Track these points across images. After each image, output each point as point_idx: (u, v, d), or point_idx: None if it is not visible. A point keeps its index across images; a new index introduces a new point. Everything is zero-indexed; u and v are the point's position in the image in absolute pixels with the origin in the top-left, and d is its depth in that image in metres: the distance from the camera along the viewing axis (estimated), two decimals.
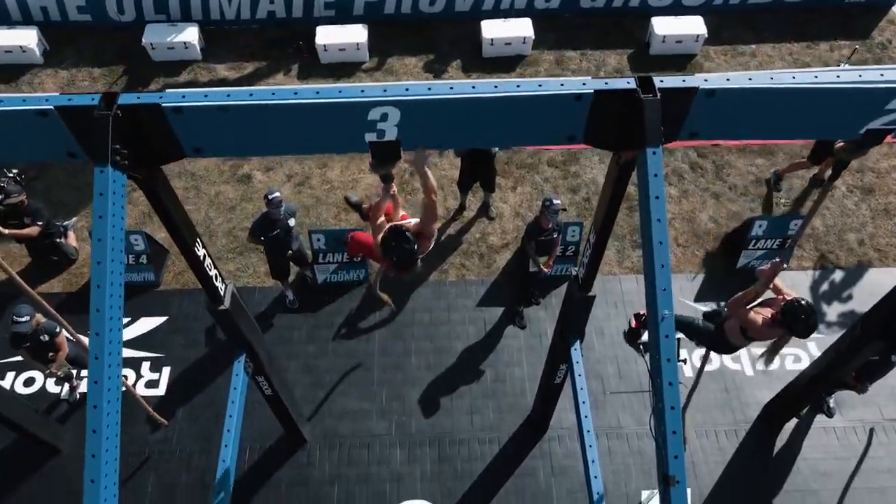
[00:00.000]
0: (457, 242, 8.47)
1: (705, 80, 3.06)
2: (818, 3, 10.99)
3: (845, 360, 5.83)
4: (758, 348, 7.42)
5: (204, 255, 4.08)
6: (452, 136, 3.23)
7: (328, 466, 6.82)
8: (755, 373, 7.38)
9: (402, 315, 7.89)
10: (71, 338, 6.34)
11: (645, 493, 6.62)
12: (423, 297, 8.00)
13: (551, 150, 9.31)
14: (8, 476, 6.70)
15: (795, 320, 4.66)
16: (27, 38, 10.15)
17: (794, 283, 7.91)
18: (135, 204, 8.73)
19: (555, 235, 7.18)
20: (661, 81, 3.05)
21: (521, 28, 10.27)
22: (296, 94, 3.04)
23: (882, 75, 3.09)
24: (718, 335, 5.34)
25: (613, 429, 7.03)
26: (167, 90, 3.05)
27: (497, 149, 7.62)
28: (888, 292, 5.07)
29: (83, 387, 7.14)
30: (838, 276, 8.13)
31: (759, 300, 5.04)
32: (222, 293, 4.43)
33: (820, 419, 7.07)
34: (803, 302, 4.69)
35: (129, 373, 7.37)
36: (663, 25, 10.25)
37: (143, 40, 10.16)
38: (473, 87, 3.08)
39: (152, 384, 7.34)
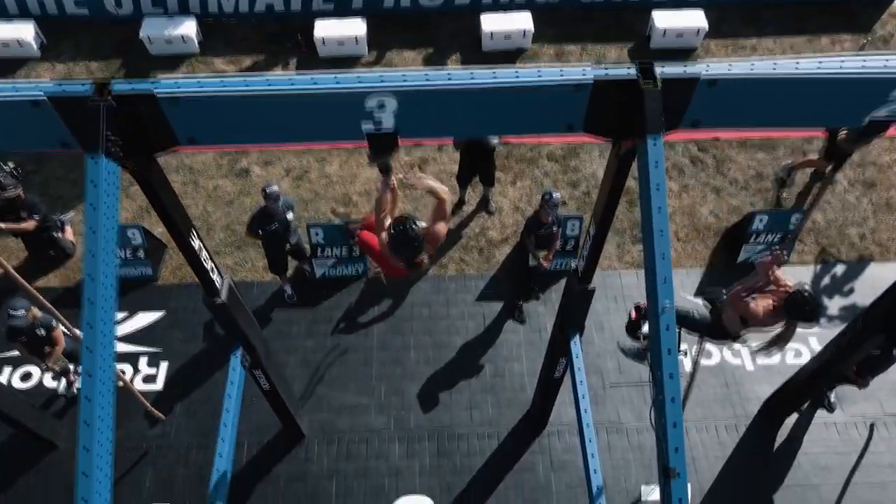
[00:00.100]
0: (456, 237, 8.43)
1: (707, 69, 3.02)
2: None
3: (846, 354, 5.80)
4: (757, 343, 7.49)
5: (200, 248, 4.04)
6: (450, 125, 3.19)
7: (326, 461, 6.80)
8: (755, 367, 7.35)
9: (401, 309, 7.85)
10: (67, 332, 6.31)
11: (645, 489, 6.59)
12: (422, 291, 7.97)
13: (551, 143, 9.27)
14: (5, 472, 6.68)
15: (800, 309, 4.65)
16: (24, 32, 10.08)
17: (795, 278, 7.85)
18: (132, 198, 8.69)
19: (554, 229, 7.14)
20: (663, 70, 3.01)
21: (521, 21, 10.21)
22: (291, 82, 3.01)
23: (886, 64, 3.05)
24: (716, 324, 5.30)
25: (613, 423, 7.00)
26: (161, 78, 3.00)
27: (496, 143, 7.57)
28: (889, 286, 5.03)
29: (80, 382, 7.11)
30: (839, 270, 8.09)
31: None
32: (219, 286, 4.39)
33: (820, 414, 7.04)
34: (806, 291, 4.67)
35: (127, 367, 7.32)
36: (664, 19, 10.19)
37: (141, 34, 10.10)
38: (472, 76, 3.04)
39: (150, 379, 7.31)
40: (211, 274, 4.26)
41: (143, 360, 7.42)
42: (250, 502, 6.58)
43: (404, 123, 3.10)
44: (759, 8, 10.86)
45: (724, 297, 5.23)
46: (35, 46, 10.19)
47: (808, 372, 6.32)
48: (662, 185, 2.93)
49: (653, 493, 6.48)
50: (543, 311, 7.80)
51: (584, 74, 3.01)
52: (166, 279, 8.12)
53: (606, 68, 3.03)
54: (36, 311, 6.19)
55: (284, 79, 3.01)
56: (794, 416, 7.01)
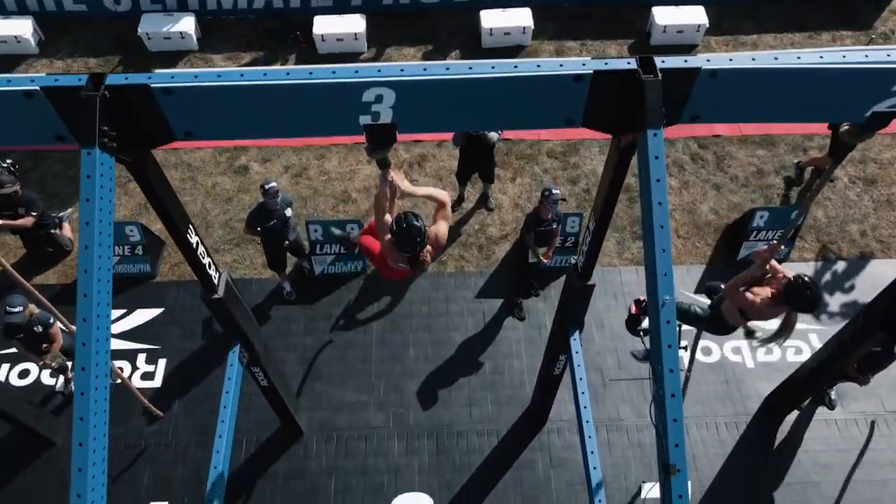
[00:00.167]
0: (455, 234, 8.40)
1: (707, 61, 2.99)
2: None
3: (847, 351, 5.77)
4: (760, 334, 7.46)
5: (197, 243, 4.01)
6: (449, 118, 3.15)
7: (325, 458, 6.77)
8: (756, 365, 7.32)
9: (401, 307, 7.82)
10: (65, 329, 6.28)
11: (645, 486, 6.56)
12: (421, 288, 7.94)
13: (551, 140, 9.24)
14: (3, 469, 6.65)
15: (799, 297, 4.63)
16: (22, 28, 10.06)
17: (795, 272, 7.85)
18: (131, 195, 8.68)
19: (554, 226, 7.11)
20: (663, 62, 2.98)
21: (521, 18, 10.17)
22: (288, 74, 2.98)
23: (889, 56, 3.03)
24: (716, 317, 5.28)
25: (613, 421, 6.97)
26: (156, 70, 2.97)
27: (496, 139, 7.54)
28: (890, 283, 5.00)
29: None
30: (840, 267, 8.06)
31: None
32: (216, 282, 4.36)
33: (821, 411, 7.02)
34: (805, 278, 4.66)
35: (125, 365, 7.31)
36: (664, 15, 10.15)
37: (139, 30, 10.07)
38: (470, 68, 3.01)
39: (148, 376, 7.28)
40: (208, 269, 4.22)
41: (141, 358, 7.39)
42: (249, 500, 6.55)
43: (402, 117, 3.07)
44: (760, 4, 10.82)
45: (723, 289, 5.23)
46: (33, 43, 10.16)
47: (809, 369, 6.29)
48: (663, 178, 2.90)
49: (653, 490, 6.46)
50: (543, 307, 7.77)
51: (583, 66, 2.98)
52: (165, 276, 8.09)
53: (606, 60, 3.00)
54: (33, 308, 6.16)
55: (281, 71, 2.97)
56: (794, 414, 6.98)
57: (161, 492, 6.57)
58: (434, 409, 7.11)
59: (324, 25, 10.11)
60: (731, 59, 3.00)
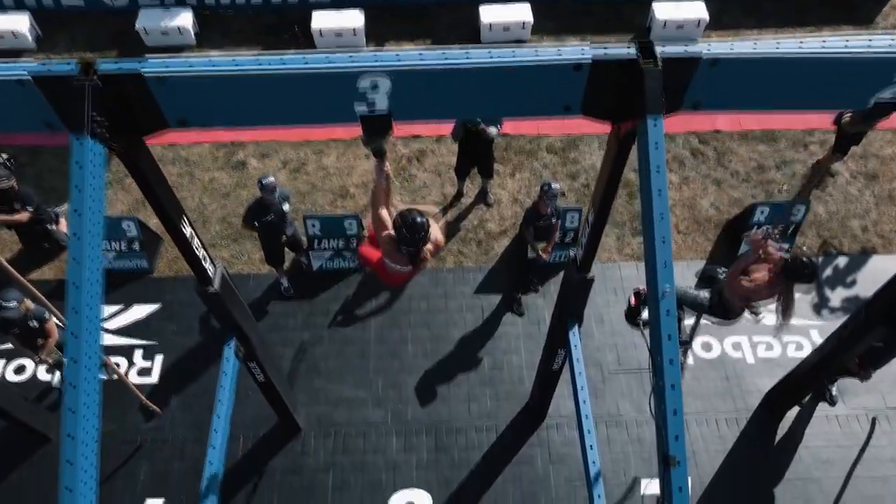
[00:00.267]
0: (454, 229, 8.36)
1: (708, 48, 2.95)
2: None
3: (848, 346, 5.73)
4: (761, 339, 7.43)
5: (192, 235, 3.97)
6: (446, 107, 3.11)
7: (323, 454, 6.73)
8: (756, 360, 7.28)
9: (399, 302, 7.78)
10: (61, 324, 6.25)
11: (644, 481, 6.52)
12: (420, 284, 7.89)
13: (550, 135, 9.19)
14: None
15: (799, 271, 4.70)
16: (19, 24, 10.00)
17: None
18: (128, 191, 8.63)
19: (553, 221, 7.05)
20: (663, 49, 2.94)
21: (520, 13, 10.12)
22: (283, 61, 2.94)
23: (891, 43, 2.98)
24: (720, 303, 5.24)
25: (613, 416, 6.93)
26: (148, 57, 2.93)
27: (495, 134, 7.49)
28: (892, 277, 4.96)
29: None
30: (841, 262, 8.02)
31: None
32: (211, 275, 4.32)
33: (822, 407, 6.97)
34: (802, 254, 4.71)
35: (122, 360, 7.26)
36: (664, 11, 10.10)
37: (137, 25, 10.01)
38: (467, 56, 2.97)
39: (145, 372, 7.24)
40: (203, 262, 4.18)
41: (138, 353, 7.35)
42: (246, 496, 6.51)
43: (398, 105, 3.03)
44: (760, 1, 10.77)
45: (722, 276, 5.21)
46: (30, 38, 10.11)
47: (810, 364, 6.25)
48: (662, 166, 2.86)
49: (651, 486, 6.42)
50: (542, 303, 7.73)
51: (582, 54, 2.94)
52: (162, 272, 8.05)
53: (605, 48, 2.95)
54: (28, 303, 6.11)
55: (275, 58, 2.94)
56: (795, 410, 6.94)
57: (158, 488, 6.53)
58: (433, 405, 7.07)
59: (322, 20, 10.06)
60: (732, 47, 2.96)
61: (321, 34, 10.05)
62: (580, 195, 8.58)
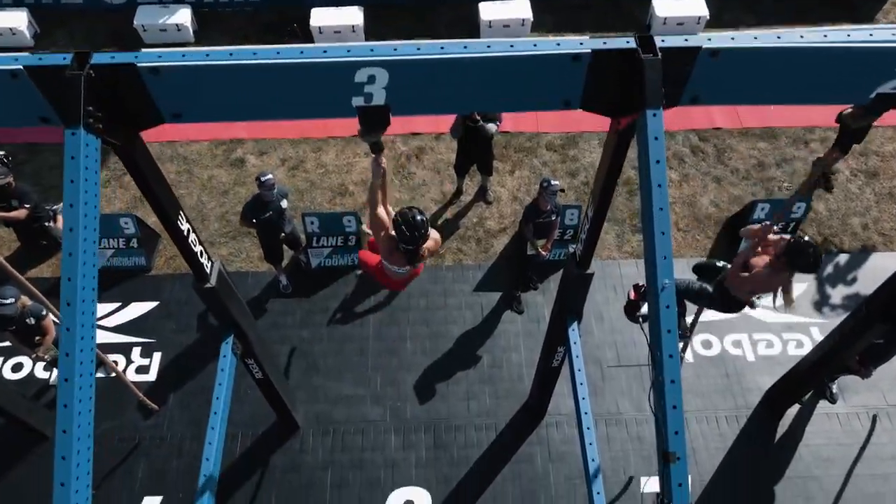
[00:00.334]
0: (454, 226, 8.33)
1: (709, 40, 2.92)
2: None
3: (849, 342, 5.70)
4: (761, 337, 7.41)
5: (188, 230, 3.94)
6: (443, 100, 3.07)
7: (321, 452, 6.70)
8: (756, 358, 7.25)
9: (398, 300, 7.75)
10: (58, 322, 6.21)
11: (644, 480, 6.49)
12: (419, 281, 7.80)
13: (550, 133, 9.17)
14: None
15: (802, 256, 4.60)
16: (17, 20, 9.98)
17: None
18: (126, 188, 8.60)
19: (553, 218, 7.02)
20: (663, 41, 2.91)
21: (520, 10, 10.10)
22: (278, 53, 2.90)
23: (894, 34, 2.95)
24: (721, 297, 5.20)
25: (612, 415, 6.90)
26: (143, 50, 2.90)
27: (494, 131, 7.46)
28: (893, 273, 4.93)
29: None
30: (842, 260, 7.99)
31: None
32: (208, 271, 4.28)
33: (822, 405, 6.94)
34: (804, 238, 4.63)
35: (120, 358, 7.23)
36: (664, 7, 10.08)
37: (135, 22, 9.99)
38: (465, 47, 2.94)
39: (143, 370, 7.21)
40: (200, 258, 4.15)
41: (136, 351, 7.32)
42: (244, 493, 6.48)
43: (396, 98, 3.00)
44: None
45: (720, 266, 5.19)
46: (28, 35, 10.09)
47: (810, 362, 6.22)
48: (662, 159, 2.83)
49: (651, 484, 6.40)
50: (542, 301, 7.70)
51: (581, 45, 2.91)
52: (160, 269, 8.02)
53: (605, 39, 2.93)
54: (25, 300, 6.09)
55: (271, 50, 2.90)
56: (795, 407, 6.91)
57: (156, 485, 6.51)
58: (431, 402, 7.04)
59: (321, 18, 10.03)
60: (732, 38, 2.93)
61: (320, 31, 10.03)
62: (580, 193, 8.56)
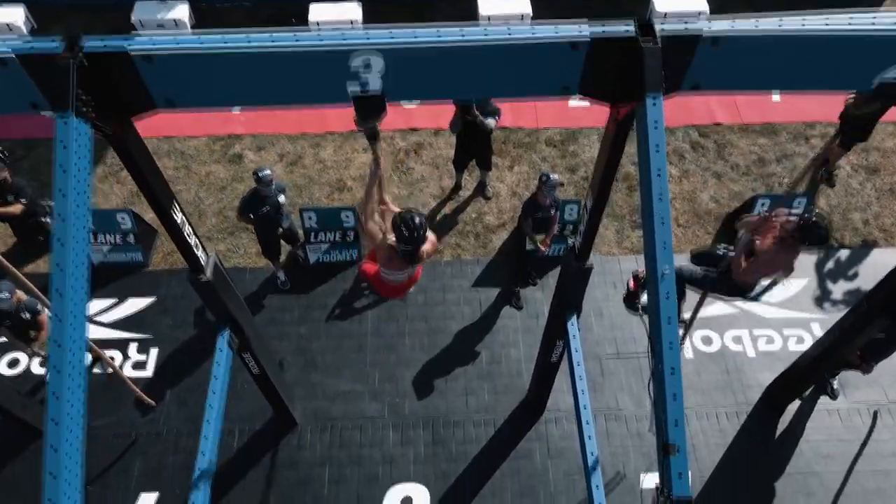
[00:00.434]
0: (452, 222, 8.29)
1: (709, 26, 2.89)
2: None
3: (850, 337, 5.66)
4: (761, 333, 7.37)
5: (183, 221, 3.90)
6: (440, 86, 3.05)
7: (319, 448, 6.66)
8: (757, 354, 7.21)
9: None
10: None
11: (644, 476, 6.45)
12: None
13: (549, 128, 9.12)
14: None
15: (813, 232, 4.63)
16: (13, 16, 9.78)
17: (799, 265, 7.73)
18: (123, 183, 8.56)
19: (552, 212, 6.97)
20: (663, 27, 2.88)
21: (519, 5, 10.03)
22: (272, 39, 2.87)
23: None
24: (728, 280, 5.13)
25: (612, 410, 6.86)
26: (135, 34, 2.86)
27: (493, 125, 7.42)
28: (894, 267, 4.90)
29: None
30: (843, 255, 7.95)
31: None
32: (203, 263, 4.24)
33: (823, 401, 6.90)
34: (814, 216, 4.64)
35: (116, 354, 7.18)
36: (664, 3, 10.00)
37: (133, 17, 9.88)
38: (462, 34, 2.92)
39: (140, 366, 7.17)
40: (195, 250, 4.11)
41: (132, 347, 7.27)
42: (241, 490, 6.44)
43: (392, 84, 2.97)
44: None
45: (720, 252, 5.14)
46: (25, 31, 9.93)
47: (811, 357, 6.18)
48: (662, 146, 2.79)
49: (650, 480, 6.35)
50: (541, 296, 7.66)
51: (580, 32, 2.88)
52: (157, 265, 7.97)
53: (604, 25, 2.89)
54: (21, 295, 6.05)
55: (265, 35, 2.87)
56: (796, 404, 6.86)
57: (152, 482, 6.46)
58: (430, 398, 7.00)
59: (319, 13, 9.92)
60: (733, 24, 2.90)
61: (318, 27, 9.96)
62: (579, 188, 8.51)
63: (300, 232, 7.62)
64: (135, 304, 7.58)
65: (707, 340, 7.30)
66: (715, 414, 6.86)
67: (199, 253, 4.16)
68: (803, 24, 2.87)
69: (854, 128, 7.68)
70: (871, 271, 7.58)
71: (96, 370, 7.02)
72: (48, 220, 7.84)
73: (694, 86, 3.04)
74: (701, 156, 8.90)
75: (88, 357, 6.93)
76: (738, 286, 5.13)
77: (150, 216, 7.88)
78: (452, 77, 2.96)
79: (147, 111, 3.00)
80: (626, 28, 2.86)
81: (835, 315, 6.81)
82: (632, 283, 5.74)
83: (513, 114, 9.05)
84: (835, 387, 6.87)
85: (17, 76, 2.80)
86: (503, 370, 7.17)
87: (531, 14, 10.39)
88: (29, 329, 6.22)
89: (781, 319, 7.44)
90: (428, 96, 3.05)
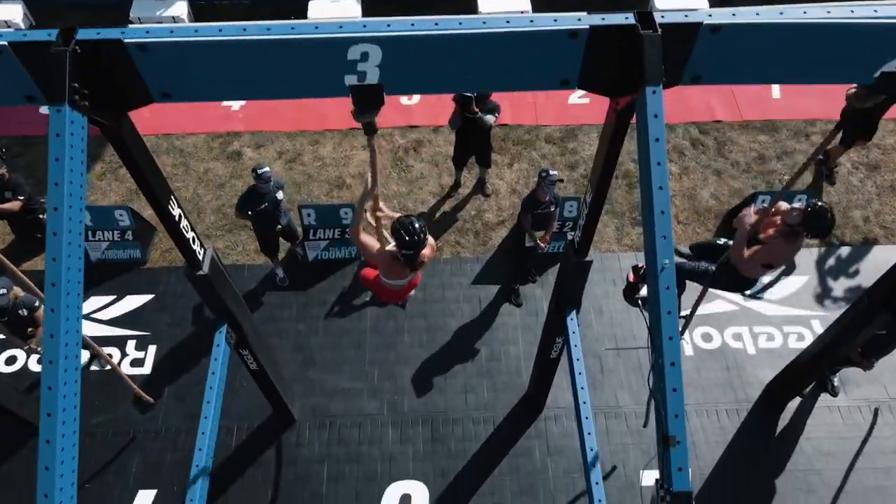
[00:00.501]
0: (451, 219, 8.27)
1: (709, 15, 2.86)
2: None
3: (850, 333, 5.63)
4: (762, 330, 7.34)
5: (180, 215, 3.87)
6: (438, 78, 3.00)
7: (318, 446, 6.64)
8: (757, 351, 7.19)
9: None
10: None
11: (644, 474, 6.43)
12: None
13: (549, 126, 9.10)
14: None
15: (821, 220, 4.60)
16: (12, 13, 9.92)
17: (799, 262, 7.72)
18: (121, 181, 8.55)
19: (552, 209, 6.95)
20: (662, 16, 2.85)
21: (519, 3, 10.03)
22: (269, 29, 2.84)
23: None
24: (730, 274, 5.09)
25: (612, 408, 6.83)
26: (130, 25, 2.83)
27: (492, 122, 7.39)
28: (895, 264, 4.88)
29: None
30: (843, 252, 7.92)
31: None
32: (201, 257, 4.22)
33: (824, 398, 6.87)
34: (818, 205, 4.60)
35: (115, 351, 7.16)
36: (665, 1, 10.01)
37: (131, 14, 9.92)
38: (460, 24, 2.88)
39: (138, 363, 7.15)
40: (192, 244, 4.09)
41: (130, 344, 7.26)
42: (240, 487, 6.41)
43: (389, 76, 2.93)
44: None
45: (721, 243, 5.14)
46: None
47: (812, 354, 6.15)
48: (662, 137, 2.76)
49: (650, 477, 6.32)
50: (540, 293, 7.63)
51: (579, 21, 2.85)
52: (156, 262, 7.96)
53: (603, 15, 2.86)
54: (18, 291, 6.03)
55: (261, 26, 2.84)
56: (796, 401, 6.84)
57: (150, 479, 6.44)
58: (429, 396, 6.98)
59: (319, 10, 9.97)
60: (734, 14, 2.87)
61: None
62: (579, 186, 8.49)
63: (299, 229, 7.60)
64: (133, 302, 7.57)
65: (707, 337, 7.28)
66: (715, 411, 6.83)
67: (196, 247, 4.14)
68: (804, 14, 2.83)
69: (856, 124, 7.63)
70: (871, 268, 7.56)
71: (94, 367, 7.01)
72: (45, 216, 7.81)
73: (694, 77, 3.00)
74: (701, 153, 8.88)
75: (87, 354, 6.92)
76: (738, 280, 5.08)
77: (148, 213, 7.87)
78: (450, 69, 2.92)
79: (143, 104, 2.97)
80: (625, 17, 2.82)
81: (835, 312, 6.79)
82: (631, 276, 5.69)
83: (512, 111, 9.03)
84: (835, 384, 6.84)
85: (11, 67, 2.76)
86: (502, 367, 7.15)
87: (531, 11, 10.44)
88: (26, 326, 6.18)
89: (782, 316, 7.41)
90: (426, 89, 3.02)
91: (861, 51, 2.93)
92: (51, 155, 2.70)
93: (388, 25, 2.82)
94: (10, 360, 7.14)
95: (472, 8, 10.24)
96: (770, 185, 8.48)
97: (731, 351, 7.20)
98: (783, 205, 4.78)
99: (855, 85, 3.52)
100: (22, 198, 7.28)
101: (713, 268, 5.18)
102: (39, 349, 6.37)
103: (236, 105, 9.32)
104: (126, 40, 2.77)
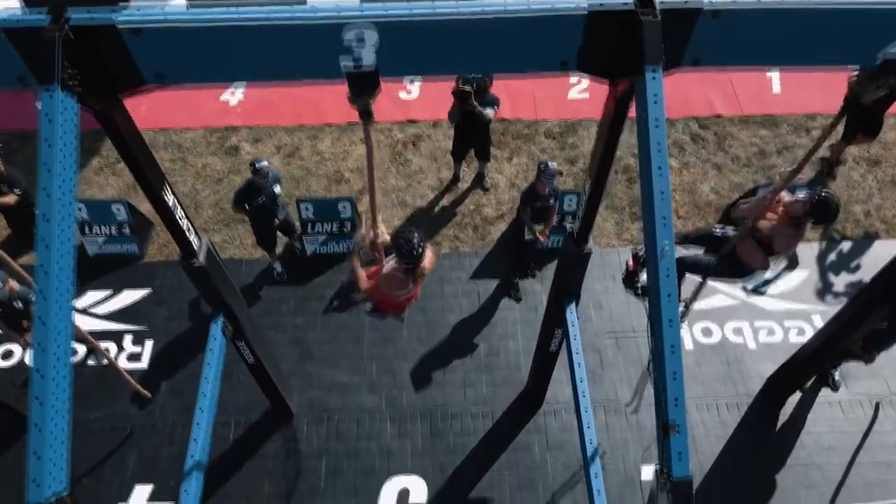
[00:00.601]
0: (450, 213, 8.23)
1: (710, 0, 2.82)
2: None
3: (851, 328, 5.60)
4: (762, 324, 7.31)
5: (175, 204, 3.83)
6: (435, 61, 2.97)
7: (316, 440, 6.60)
8: (757, 345, 7.15)
9: None
10: None
11: (643, 469, 6.39)
12: None
13: (549, 120, 9.06)
14: None
15: (826, 208, 4.53)
16: (8, 5, 9.85)
17: (800, 256, 7.69)
18: (119, 175, 8.50)
19: (551, 202, 6.90)
20: (663, 0, 2.81)
21: None
22: (264, 10, 2.80)
23: None
24: (732, 262, 5.04)
25: (611, 402, 6.80)
26: (122, 6, 2.79)
27: (491, 116, 7.35)
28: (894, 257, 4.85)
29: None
30: (845, 247, 7.88)
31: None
32: (196, 248, 4.18)
33: (825, 392, 6.84)
34: (823, 194, 4.55)
35: (111, 346, 7.12)
36: None
37: None
38: (458, 7, 2.84)
39: (135, 357, 7.11)
40: (188, 234, 4.05)
41: (127, 339, 7.22)
42: (237, 481, 6.38)
43: (386, 59, 2.89)
44: None
45: (718, 232, 5.11)
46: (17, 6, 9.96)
47: (812, 348, 6.12)
48: (661, 120, 2.73)
49: (650, 472, 6.29)
50: (539, 288, 7.59)
51: (578, 4, 2.81)
52: (153, 257, 7.92)
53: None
54: (14, 284, 5.99)
55: (255, 7, 2.80)
56: (797, 395, 6.80)
57: (147, 473, 6.40)
58: (428, 390, 6.94)
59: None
60: None
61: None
62: (578, 180, 8.44)
63: (297, 223, 7.56)
64: (130, 296, 7.53)
65: (707, 332, 7.24)
66: (715, 405, 6.80)
67: (192, 237, 4.10)
68: None
69: (858, 115, 7.57)
70: (872, 263, 7.50)
71: (91, 362, 6.97)
72: None
73: (694, 60, 2.97)
74: (701, 147, 8.84)
75: (83, 349, 6.88)
76: (739, 267, 5.03)
77: (145, 208, 7.82)
78: (447, 51, 2.89)
79: (137, 86, 2.93)
80: (624, 1, 2.78)
81: (836, 307, 6.73)
82: (631, 262, 5.63)
83: (512, 105, 8.99)
84: (836, 378, 6.80)
85: (3, 50, 2.73)
86: (501, 362, 7.11)
87: None
88: (22, 319, 6.15)
89: (782, 311, 7.38)
90: (422, 71, 2.98)
91: (863, 33, 2.90)
92: (42, 139, 2.66)
93: (385, 8, 2.78)
94: (7, 355, 7.10)
95: None
96: (770, 180, 8.43)
97: (731, 345, 7.16)
98: (786, 196, 4.73)
99: (857, 71, 3.47)
100: (18, 192, 7.23)
101: (714, 261, 5.14)
102: None
103: (234, 100, 9.28)
104: (118, 22, 2.74)
